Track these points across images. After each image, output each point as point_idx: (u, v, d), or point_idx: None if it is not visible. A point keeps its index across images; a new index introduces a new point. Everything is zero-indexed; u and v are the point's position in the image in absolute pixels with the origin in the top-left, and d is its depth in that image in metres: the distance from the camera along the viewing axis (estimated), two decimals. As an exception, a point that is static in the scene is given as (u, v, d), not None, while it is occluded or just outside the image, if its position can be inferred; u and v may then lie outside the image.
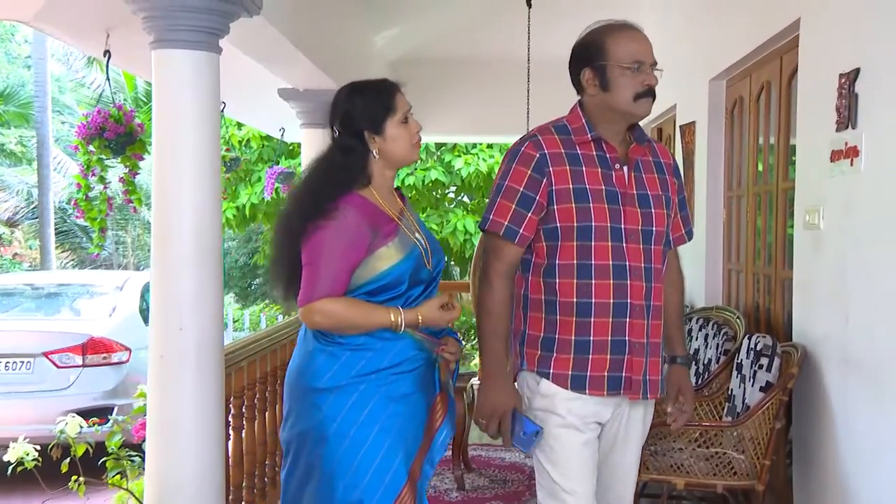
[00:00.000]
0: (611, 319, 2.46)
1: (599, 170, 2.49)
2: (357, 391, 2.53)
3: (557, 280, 2.48)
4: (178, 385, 3.46)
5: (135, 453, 4.79)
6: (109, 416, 4.73)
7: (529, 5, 6.34)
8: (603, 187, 2.47)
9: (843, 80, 3.47)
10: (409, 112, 2.67)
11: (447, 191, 14.53)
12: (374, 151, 2.62)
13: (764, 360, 3.81)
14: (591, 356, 2.48)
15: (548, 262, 2.50)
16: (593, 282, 2.46)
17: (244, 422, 4.29)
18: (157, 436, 3.52)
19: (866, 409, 3.31)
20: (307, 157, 6.10)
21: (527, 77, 6.66)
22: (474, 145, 13.26)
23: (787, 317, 4.35)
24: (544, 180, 2.46)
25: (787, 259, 4.39)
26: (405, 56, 8.02)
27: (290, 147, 12.48)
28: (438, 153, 13.52)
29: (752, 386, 3.84)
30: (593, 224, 2.44)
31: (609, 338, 2.47)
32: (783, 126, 4.43)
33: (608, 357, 2.48)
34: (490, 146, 13.28)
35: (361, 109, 2.61)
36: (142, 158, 5.29)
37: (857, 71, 3.39)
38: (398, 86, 2.68)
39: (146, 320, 8.29)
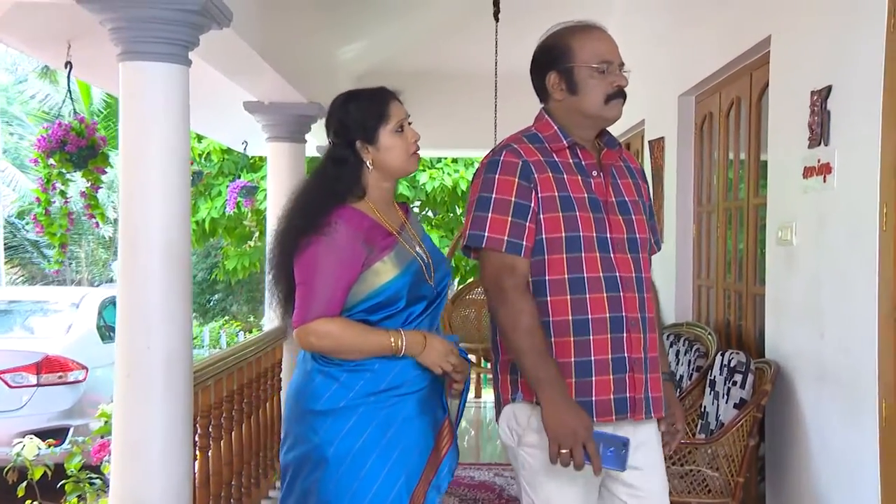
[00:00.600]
0: (609, 336, 2.29)
1: (579, 177, 2.35)
2: (356, 414, 2.42)
3: (549, 298, 2.29)
4: (145, 405, 3.37)
5: (95, 475, 4.68)
6: (65, 437, 4.62)
7: (497, 19, 6.31)
8: (585, 195, 2.34)
9: (815, 98, 3.49)
10: (406, 121, 2.54)
11: (412, 205, 14.50)
12: (367, 162, 2.50)
13: (738, 377, 3.81)
14: (594, 378, 2.28)
15: (536, 279, 2.32)
16: (588, 296, 2.28)
17: (210, 441, 4.20)
18: (122, 457, 3.42)
19: (841, 425, 3.31)
20: (273, 172, 6.04)
21: (494, 91, 6.65)
22: (439, 160, 13.23)
23: (758, 333, 4.36)
24: (532, 187, 2.30)
25: (758, 275, 4.40)
26: (371, 69, 7.96)
27: (252, 161, 12.38)
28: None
29: (726, 403, 3.83)
30: (581, 234, 2.30)
31: (609, 356, 2.29)
32: (753, 142, 4.45)
33: (611, 377, 2.29)
34: (455, 160, 13.26)
35: (354, 118, 2.50)
36: (104, 172, 5.19)
37: (828, 88, 3.40)
38: (395, 93, 2.55)
39: (104, 338, 8.17)
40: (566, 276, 2.30)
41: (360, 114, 2.49)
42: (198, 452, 3.97)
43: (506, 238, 2.29)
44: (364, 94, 2.55)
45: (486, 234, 2.30)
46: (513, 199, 2.30)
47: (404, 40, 7.74)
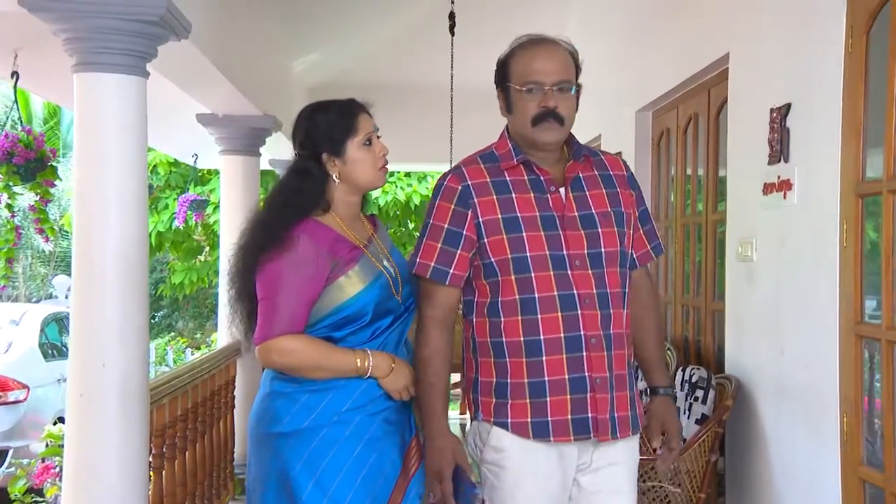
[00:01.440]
0: (565, 356, 2.24)
1: (532, 195, 2.29)
2: (318, 436, 2.34)
3: (502, 319, 2.28)
4: (99, 425, 3.25)
5: (41, 499, 4.54)
6: (5, 460, 4.48)
7: (452, 33, 6.30)
8: (537, 213, 2.27)
9: (774, 115, 3.52)
10: (375, 134, 2.48)
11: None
12: (334, 175, 2.43)
13: (699, 392, 3.82)
14: (548, 398, 2.25)
15: (490, 300, 2.31)
16: (539, 316, 2.25)
17: (164, 462, 4.10)
18: (75, 480, 3.30)
19: (802, 440, 3.34)
20: (227, 185, 5.94)
21: (450, 105, 6.63)
22: (392, 174, 13.18)
23: (717, 349, 4.38)
24: (469, 212, 2.28)
25: (717, 291, 4.42)
26: (325, 82, 7.91)
27: (200, 173, 12.21)
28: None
29: (688, 419, 3.83)
30: (528, 254, 2.25)
31: (567, 376, 2.25)
32: (712, 158, 4.48)
33: (568, 397, 2.25)
34: (408, 174, 13.22)
35: (321, 130, 2.42)
36: (53, 185, 5.06)
37: (788, 105, 3.44)
38: (364, 106, 2.49)
39: (47, 356, 7.94)
40: (517, 296, 2.27)
41: (328, 125, 2.42)
42: (152, 473, 3.87)
43: (432, 264, 2.31)
44: (332, 105, 2.48)
45: (417, 259, 2.34)
46: (446, 225, 2.30)
47: (359, 53, 7.72)
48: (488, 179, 2.31)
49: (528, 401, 2.27)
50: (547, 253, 2.26)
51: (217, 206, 11.28)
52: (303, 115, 2.51)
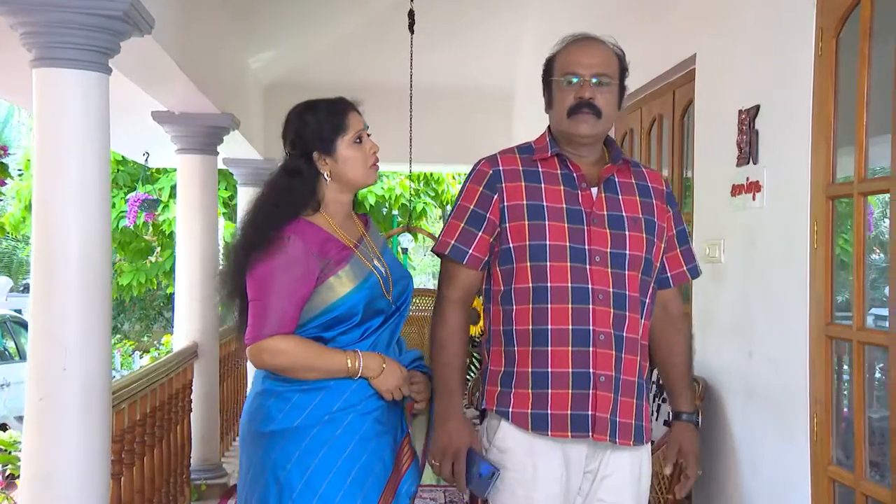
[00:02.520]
0: (570, 348, 2.22)
1: (562, 188, 2.29)
2: (309, 435, 2.34)
3: (514, 307, 2.28)
4: (59, 431, 3.15)
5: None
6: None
7: (412, 31, 6.25)
8: (564, 206, 2.27)
9: (743, 116, 3.54)
10: (365, 132, 2.49)
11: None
12: (325, 174, 2.45)
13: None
14: (550, 391, 2.23)
15: (504, 288, 2.31)
16: (549, 306, 2.23)
17: (123, 468, 4.00)
18: (33, 488, 3.19)
19: (772, 441, 3.35)
20: (184, 185, 5.82)
21: (409, 104, 6.59)
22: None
23: (682, 349, 4.38)
24: (495, 196, 2.30)
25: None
26: (281, 80, 7.81)
27: (149, 172, 11.98)
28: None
29: (656, 420, 3.84)
30: (548, 242, 2.24)
31: (570, 369, 2.22)
32: (676, 159, 4.50)
33: (570, 392, 2.22)
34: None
35: (311, 129, 2.43)
36: (4, 184, 4.92)
37: (757, 108, 3.46)
38: (354, 104, 2.50)
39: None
40: (530, 284, 2.27)
41: (318, 124, 2.44)
42: (110, 480, 3.77)
43: (453, 242, 2.34)
44: (322, 104, 2.49)
45: (440, 237, 2.38)
46: (471, 207, 2.33)
47: (316, 51, 7.63)
48: (520, 167, 2.34)
49: (530, 391, 2.26)
50: (567, 244, 2.25)
51: (167, 206, 11.10)
52: (293, 114, 2.51)
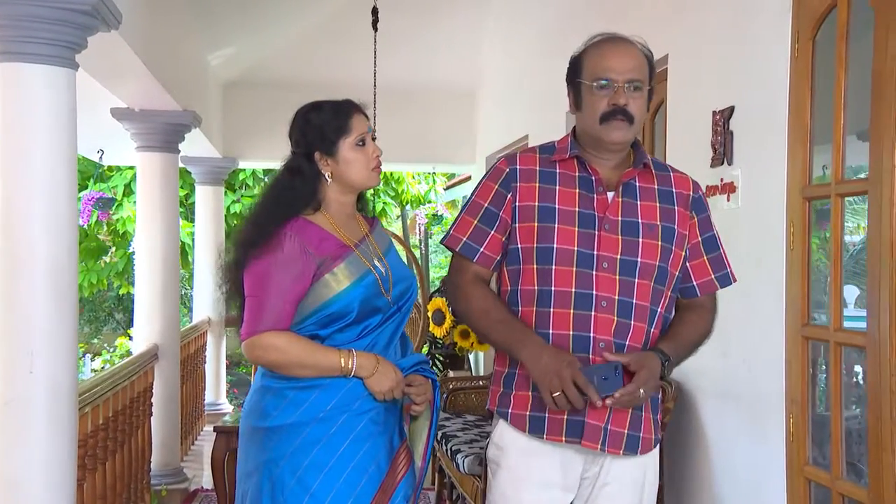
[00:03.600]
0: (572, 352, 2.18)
1: (578, 191, 2.26)
2: (303, 433, 2.35)
3: (519, 308, 2.26)
4: (25, 435, 3.10)
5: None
6: None
7: (375, 28, 6.19)
8: (576, 209, 2.24)
9: (717, 117, 3.54)
10: (368, 134, 2.49)
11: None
12: (326, 174, 2.46)
13: (640, 394, 3.81)
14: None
15: (511, 289, 2.29)
16: (552, 310, 2.21)
17: (85, 474, 3.90)
18: (-2, 495, 3.11)
19: (746, 442, 3.36)
20: (144, 183, 5.71)
21: (373, 104, 6.52)
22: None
23: (653, 349, 4.39)
24: (509, 195, 2.28)
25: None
26: (241, 78, 7.71)
27: (102, 170, 11.75)
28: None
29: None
30: (555, 246, 2.21)
31: None
32: (647, 160, 4.49)
33: None
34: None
35: (314, 129, 2.45)
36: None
37: (731, 109, 3.47)
38: (359, 107, 2.51)
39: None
40: (535, 287, 2.25)
41: (321, 125, 2.46)
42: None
43: (464, 239, 2.32)
44: (327, 105, 2.50)
45: (451, 232, 2.36)
46: (485, 204, 2.31)
47: (276, 48, 7.54)
48: (537, 167, 2.31)
49: (529, 393, 2.24)
50: (575, 248, 2.22)
51: (121, 205, 10.89)
52: (299, 113, 2.53)
